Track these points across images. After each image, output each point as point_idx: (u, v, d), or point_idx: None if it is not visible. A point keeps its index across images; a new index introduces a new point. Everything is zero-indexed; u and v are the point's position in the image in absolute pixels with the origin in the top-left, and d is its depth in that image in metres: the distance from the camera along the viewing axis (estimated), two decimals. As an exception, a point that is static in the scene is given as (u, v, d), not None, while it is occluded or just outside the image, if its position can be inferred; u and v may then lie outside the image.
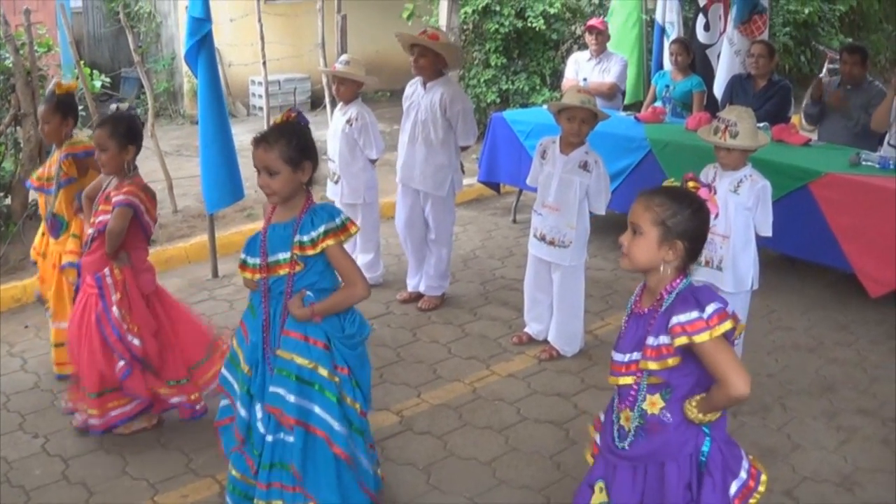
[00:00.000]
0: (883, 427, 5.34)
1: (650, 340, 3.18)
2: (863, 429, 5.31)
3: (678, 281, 3.22)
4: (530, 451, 5.03)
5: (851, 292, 7.00)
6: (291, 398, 3.93)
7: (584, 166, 5.87)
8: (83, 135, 5.80)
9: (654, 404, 3.23)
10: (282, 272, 3.92)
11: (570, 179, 5.89)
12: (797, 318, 6.81)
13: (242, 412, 4.10)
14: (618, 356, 3.35)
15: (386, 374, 5.94)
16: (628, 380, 3.28)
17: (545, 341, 6.30)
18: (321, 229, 3.84)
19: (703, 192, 3.30)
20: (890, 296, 6.44)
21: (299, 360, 3.93)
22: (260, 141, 3.88)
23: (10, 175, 8.06)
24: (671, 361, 3.14)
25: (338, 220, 3.90)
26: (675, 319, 3.10)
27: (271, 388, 3.96)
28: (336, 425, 3.95)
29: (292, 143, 3.84)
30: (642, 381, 3.24)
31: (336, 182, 7.18)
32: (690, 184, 3.32)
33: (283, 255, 3.91)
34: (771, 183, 5.39)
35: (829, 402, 5.66)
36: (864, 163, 6.97)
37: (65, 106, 5.66)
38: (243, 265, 4.04)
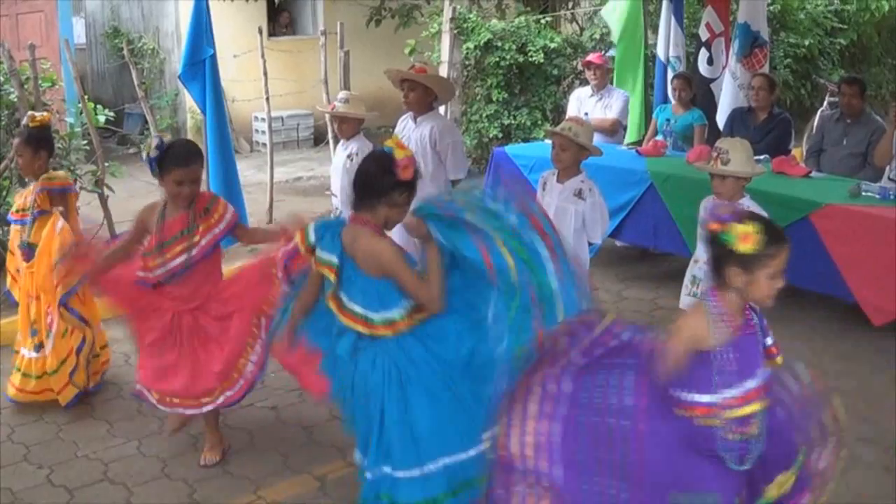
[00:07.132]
0: (884, 455, 5.33)
1: (769, 341, 3.31)
2: (864, 457, 5.28)
3: None
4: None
5: (853, 322, 6.98)
6: None
7: (579, 194, 5.91)
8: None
9: None
10: None
11: (566, 208, 5.91)
12: (799, 349, 6.81)
13: None
14: (762, 373, 3.27)
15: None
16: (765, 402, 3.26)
17: (548, 372, 6.28)
18: None
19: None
20: (892, 325, 6.46)
21: None
22: None
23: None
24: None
25: None
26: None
27: None
28: None
29: None
30: None
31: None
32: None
33: None
34: (772, 215, 5.40)
35: (832, 430, 5.65)
36: (864, 193, 7.01)
37: (36, 139, 5.66)
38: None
